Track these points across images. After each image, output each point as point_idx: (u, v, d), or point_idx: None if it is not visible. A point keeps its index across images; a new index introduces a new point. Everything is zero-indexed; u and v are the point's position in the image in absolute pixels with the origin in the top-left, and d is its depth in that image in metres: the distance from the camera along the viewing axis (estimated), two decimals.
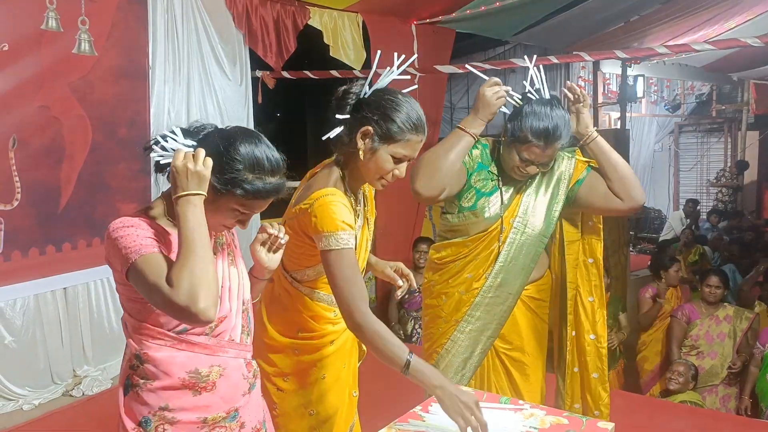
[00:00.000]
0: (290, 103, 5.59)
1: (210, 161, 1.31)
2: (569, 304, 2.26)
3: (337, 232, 1.59)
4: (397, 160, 1.66)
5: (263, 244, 1.56)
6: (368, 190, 1.91)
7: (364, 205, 1.85)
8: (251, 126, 4.37)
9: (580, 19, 5.62)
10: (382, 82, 1.70)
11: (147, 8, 3.77)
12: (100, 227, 3.65)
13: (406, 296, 4.65)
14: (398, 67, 1.72)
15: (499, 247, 2.14)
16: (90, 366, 3.64)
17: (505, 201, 2.15)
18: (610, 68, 8.14)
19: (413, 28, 5.24)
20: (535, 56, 2.17)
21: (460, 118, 10.64)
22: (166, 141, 1.37)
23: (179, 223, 1.30)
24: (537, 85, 2.06)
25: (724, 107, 10.88)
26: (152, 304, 1.32)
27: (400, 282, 1.87)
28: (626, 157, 6.69)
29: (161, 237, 1.37)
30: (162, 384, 1.38)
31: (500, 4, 4.87)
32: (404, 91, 1.72)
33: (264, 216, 2.14)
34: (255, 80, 4.64)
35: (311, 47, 4.72)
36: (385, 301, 5.19)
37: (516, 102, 2.07)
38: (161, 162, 1.38)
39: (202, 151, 1.32)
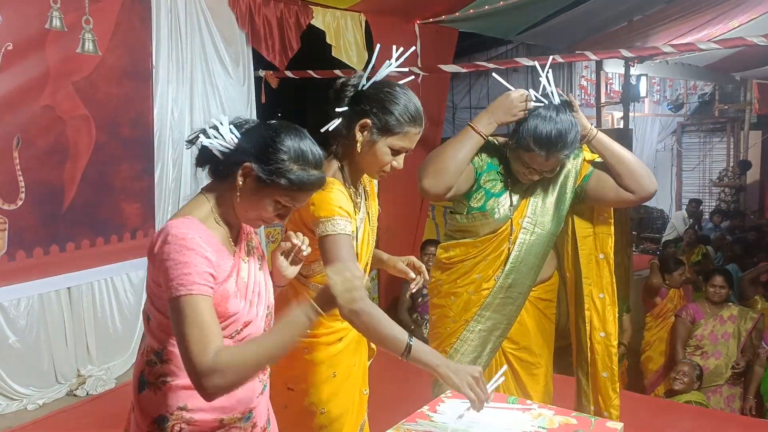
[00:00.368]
0: (293, 102, 5.58)
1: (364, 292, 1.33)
2: (586, 301, 2.23)
3: (334, 218, 1.60)
4: (396, 152, 1.68)
5: (285, 253, 1.56)
6: (370, 184, 1.91)
7: (365, 199, 1.85)
8: None
9: (582, 18, 5.62)
10: (381, 75, 1.70)
11: (150, 8, 3.77)
12: (104, 227, 3.65)
13: (419, 299, 4.64)
14: (396, 60, 1.71)
15: (510, 248, 2.12)
16: (94, 366, 3.64)
17: (514, 202, 2.13)
18: (613, 68, 8.13)
19: (416, 27, 5.24)
20: (549, 60, 2.11)
21: (462, 118, 10.72)
22: (209, 132, 1.37)
23: (286, 330, 1.30)
24: (548, 90, 2.01)
25: (726, 107, 10.86)
26: (177, 343, 1.28)
27: (412, 274, 1.86)
28: None
29: (213, 250, 1.32)
30: (182, 383, 1.35)
31: (503, 3, 4.86)
32: (401, 82, 1.72)
33: None
34: (258, 80, 4.64)
35: (314, 47, 4.72)
36: (393, 307, 5.18)
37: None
38: (217, 148, 1.36)
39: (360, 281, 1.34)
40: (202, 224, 1.34)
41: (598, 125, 7.90)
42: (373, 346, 2.01)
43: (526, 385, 2.23)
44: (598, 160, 2.13)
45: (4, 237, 3.18)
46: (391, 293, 5.30)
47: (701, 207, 9.69)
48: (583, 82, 9.55)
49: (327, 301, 1.32)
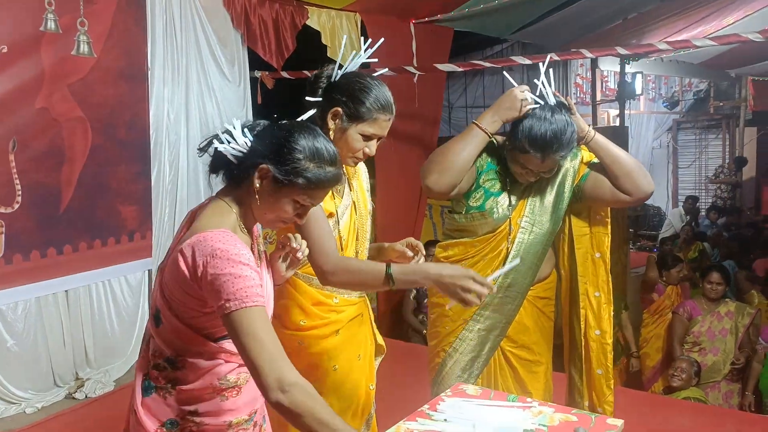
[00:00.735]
0: (289, 103, 5.57)
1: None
2: (581, 299, 2.24)
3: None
4: (367, 138, 1.74)
5: (282, 256, 1.56)
6: (356, 176, 1.94)
7: (351, 189, 1.89)
8: None
9: (577, 17, 5.63)
10: (353, 66, 1.78)
11: (145, 10, 3.76)
12: (101, 229, 3.64)
13: (425, 300, 4.63)
14: (365, 51, 1.80)
15: (508, 247, 2.13)
16: (92, 368, 3.63)
17: (513, 201, 2.13)
18: (608, 66, 8.15)
19: (411, 27, 5.24)
20: (547, 57, 2.12)
21: (458, 117, 10.73)
22: (221, 137, 1.36)
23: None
24: (544, 90, 2.01)
25: (721, 104, 10.90)
26: (242, 357, 1.27)
27: (410, 253, 1.87)
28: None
29: (256, 269, 1.31)
30: (193, 388, 1.36)
31: (498, 2, 4.87)
32: (374, 74, 1.79)
33: None
34: (254, 81, 4.63)
35: (310, 47, 4.72)
36: (398, 310, 5.18)
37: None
38: (231, 152, 1.35)
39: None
40: (236, 235, 1.33)
41: (594, 123, 7.91)
42: (381, 342, 2.02)
43: (526, 383, 2.24)
44: (596, 160, 2.13)
45: (1, 240, 3.17)
46: (392, 295, 5.30)
47: (698, 204, 9.71)
48: (579, 80, 9.57)
49: None
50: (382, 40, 1.90)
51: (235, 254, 1.26)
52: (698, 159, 11.84)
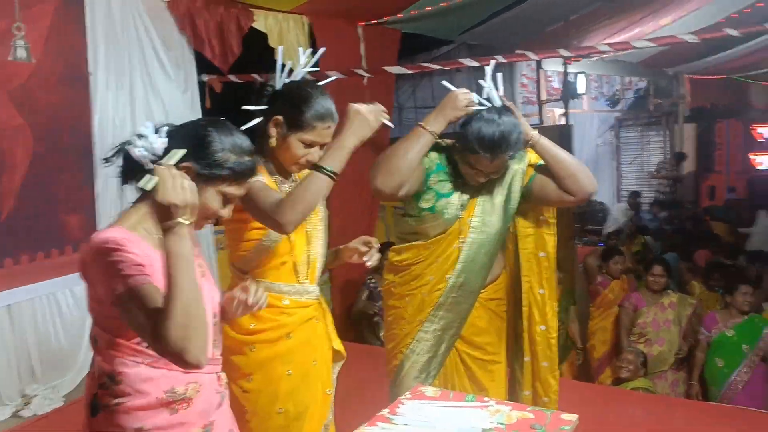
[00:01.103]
0: (239, 106, 5.50)
1: (194, 185, 1.25)
2: (524, 297, 2.30)
3: (258, 176, 1.68)
4: (308, 146, 1.80)
5: (237, 301, 1.54)
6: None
7: None
8: None
9: (522, 18, 5.74)
10: (295, 76, 1.84)
11: (84, 13, 3.65)
12: (44, 240, 3.51)
13: (379, 303, 4.64)
14: (308, 62, 1.86)
15: (460, 247, 2.17)
16: (39, 384, 3.50)
17: (464, 202, 2.17)
18: (552, 66, 8.34)
19: (359, 29, 5.24)
20: (493, 62, 2.16)
21: (408, 119, 10.78)
22: (135, 143, 1.33)
23: (168, 261, 1.21)
24: (490, 93, 2.05)
25: (661, 101, 11.29)
26: (139, 334, 1.27)
27: (363, 248, 1.93)
28: (570, 152, 6.89)
29: (145, 254, 1.30)
30: (137, 404, 1.33)
31: (445, 4, 4.92)
32: (320, 83, 1.84)
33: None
34: (202, 85, 4.56)
35: (260, 50, 4.66)
36: (348, 314, 5.19)
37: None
38: (148, 156, 1.32)
39: (189, 182, 1.24)
40: (129, 231, 1.32)
41: (540, 122, 8.10)
42: (339, 348, 2.02)
43: (482, 382, 2.28)
44: (542, 162, 2.19)
45: None
46: (347, 298, 5.30)
47: (640, 199, 10.04)
48: (525, 81, 9.75)
49: None
50: (323, 50, 1.96)
51: (110, 242, 1.26)
52: (640, 155, 12.24)
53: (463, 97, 2.05)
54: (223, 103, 4.81)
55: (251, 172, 1.42)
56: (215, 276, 4.12)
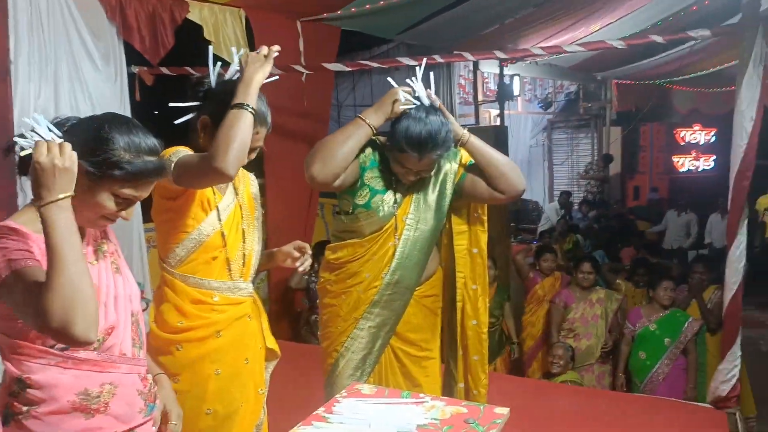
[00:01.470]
0: (173, 99, 5.35)
1: (75, 155, 1.19)
2: (458, 292, 2.34)
3: (177, 151, 1.70)
4: None
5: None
6: (243, 182, 1.94)
7: (235, 193, 1.88)
8: None
9: (460, 19, 5.82)
10: (229, 76, 1.81)
11: (6, 1, 3.46)
12: None
13: (317, 301, 4.62)
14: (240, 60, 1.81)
15: (395, 244, 2.18)
16: None
17: (398, 199, 2.19)
18: (489, 68, 8.52)
19: (298, 25, 5.19)
20: (424, 62, 2.19)
21: (347, 116, 10.78)
22: (28, 136, 1.26)
23: (46, 232, 1.15)
24: (417, 93, 2.07)
25: (590, 105, 11.72)
26: (28, 325, 1.21)
27: (296, 253, 1.92)
28: (506, 152, 7.06)
29: (35, 246, 1.25)
30: (49, 409, 1.27)
31: (384, 2, 4.94)
32: (265, 81, 1.76)
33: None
34: (132, 76, 4.40)
35: (195, 42, 4.54)
36: (289, 312, 5.13)
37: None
38: (27, 161, 1.25)
39: (67, 144, 1.19)
40: (17, 224, 1.27)
41: (477, 123, 8.26)
42: (273, 347, 1.99)
43: (417, 377, 2.31)
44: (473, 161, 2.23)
45: None
46: (284, 295, 5.25)
47: (571, 198, 10.38)
48: (462, 81, 9.92)
49: None
50: (244, 51, 1.90)
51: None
52: (570, 156, 12.67)
53: (402, 95, 2.06)
54: (154, 96, 4.66)
55: (150, 173, 1.32)
56: (146, 275, 4.03)
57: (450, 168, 2.24)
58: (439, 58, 3.68)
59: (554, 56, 7.82)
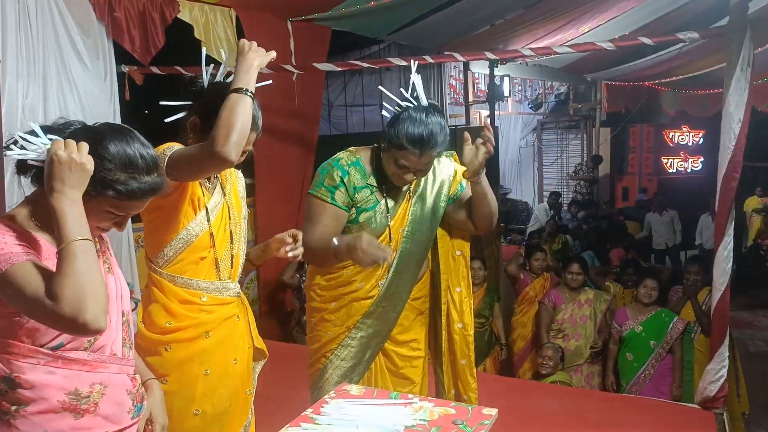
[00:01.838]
0: (162, 99, 5.32)
1: (91, 158, 1.22)
2: (443, 294, 2.34)
3: (171, 146, 1.68)
4: None
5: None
6: (231, 182, 1.93)
7: (224, 195, 1.87)
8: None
9: (450, 20, 5.83)
10: (221, 77, 1.81)
11: None
12: None
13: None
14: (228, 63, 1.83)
15: (392, 256, 2.16)
16: None
17: (390, 210, 2.17)
18: (479, 68, 8.54)
19: (289, 25, 5.18)
20: (416, 63, 2.19)
21: (338, 116, 10.75)
22: (26, 140, 1.25)
23: (57, 222, 1.18)
24: (416, 92, 2.07)
25: (580, 106, 11.78)
26: (32, 318, 1.21)
27: (288, 239, 1.90)
28: (496, 152, 7.08)
29: (30, 243, 1.25)
30: (38, 409, 1.26)
31: (374, 3, 4.94)
32: (258, 84, 1.74)
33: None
34: (121, 75, 4.37)
35: (186, 41, 4.52)
36: (279, 312, 5.12)
37: (395, 109, 2.08)
38: (28, 161, 1.26)
39: (85, 145, 1.22)
40: (13, 223, 1.27)
41: (467, 123, 8.27)
42: (261, 346, 1.99)
43: (412, 377, 2.32)
44: (464, 184, 2.25)
45: None
46: (274, 295, 5.24)
47: (560, 199, 10.43)
48: (453, 82, 9.94)
49: None
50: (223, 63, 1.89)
51: None
52: (560, 157, 12.74)
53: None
54: (144, 96, 4.64)
55: (145, 194, 1.32)
56: (135, 275, 4.00)
57: (445, 179, 2.25)
58: (429, 59, 3.69)
59: (544, 57, 7.85)
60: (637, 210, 10.26)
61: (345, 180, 2.09)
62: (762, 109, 9.31)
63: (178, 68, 4.41)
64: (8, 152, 1.26)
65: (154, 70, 4.41)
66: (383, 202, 2.16)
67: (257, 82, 1.72)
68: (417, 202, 2.21)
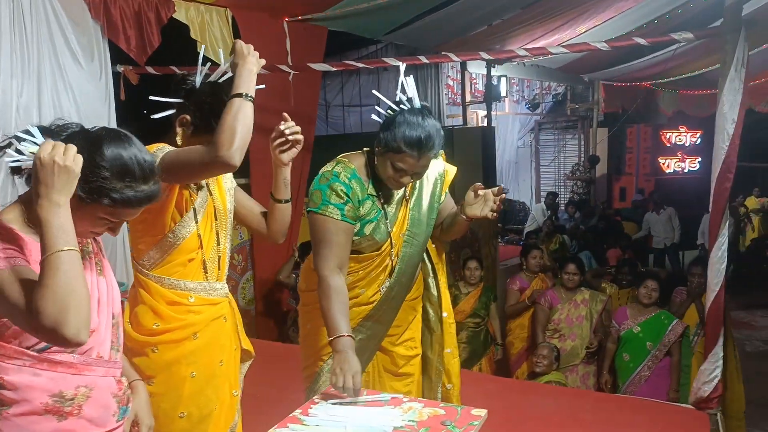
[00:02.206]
0: (159, 101, 5.31)
1: (80, 158, 1.18)
2: (431, 284, 2.36)
3: (162, 147, 1.69)
4: None
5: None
6: (216, 180, 1.92)
7: (210, 194, 1.86)
8: (113, 124, 4.11)
9: (447, 21, 5.83)
10: (216, 77, 1.79)
11: None
12: None
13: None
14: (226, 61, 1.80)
15: (394, 261, 2.17)
16: None
17: (390, 217, 2.16)
18: (476, 69, 8.54)
19: (285, 25, 5.18)
20: (403, 65, 2.19)
21: (335, 116, 10.76)
22: (21, 142, 1.23)
23: (41, 230, 1.15)
24: (409, 94, 2.06)
25: (577, 106, 11.79)
26: (15, 325, 1.20)
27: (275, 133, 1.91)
28: (493, 152, 7.09)
29: (20, 246, 1.24)
30: (20, 410, 1.25)
31: (370, 3, 4.93)
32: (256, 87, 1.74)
33: None
34: (117, 75, 4.37)
35: (181, 41, 4.52)
36: (275, 312, 5.11)
37: (386, 113, 2.07)
38: (20, 166, 1.25)
39: (72, 147, 1.19)
40: (6, 227, 1.25)
41: (464, 123, 8.28)
42: (247, 347, 1.98)
43: (414, 373, 2.33)
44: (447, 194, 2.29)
45: None
46: (271, 294, 5.24)
47: (558, 199, 10.44)
48: (450, 82, 9.95)
49: None
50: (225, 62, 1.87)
51: None
52: (557, 157, 12.74)
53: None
54: (139, 96, 4.62)
55: (140, 202, 1.30)
56: (129, 275, 3.99)
57: (438, 179, 2.26)
58: (424, 59, 3.69)
59: (541, 57, 7.85)
60: (633, 210, 10.27)
61: (350, 195, 2.06)
62: (759, 109, 9.33)
63: (174, 68, 4.40)
64: (5, 158, 1.25)
65: (150, 70, 4.40)
66: (383, 212, 2.16)
67: None
68: (415, 206, 2.21)
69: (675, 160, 11.93)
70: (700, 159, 11.73)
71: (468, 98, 8.74)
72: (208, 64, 1.82)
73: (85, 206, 1.26)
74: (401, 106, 2.05)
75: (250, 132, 1.64)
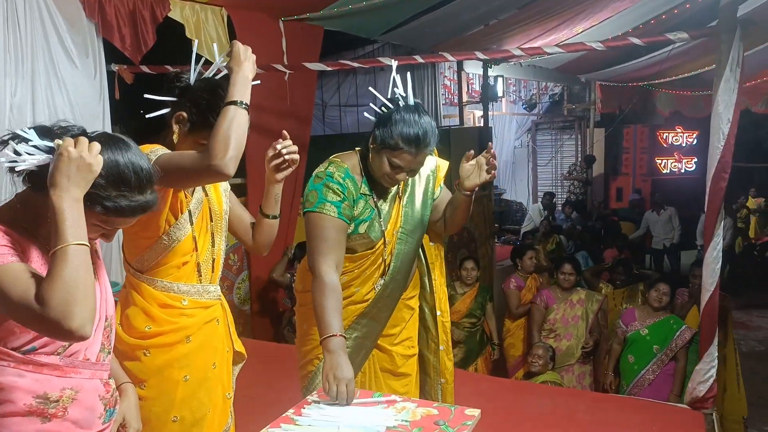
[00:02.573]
0: (153, 99, 5.30)
1: (101, 158, 1.18)
2: (427, 283, 2.36)
3: (156, 148, 1.66)
4: None
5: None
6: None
7: (205, 193, 1.85)
8: (107, 123, 4.09)
9: (444, 21, 5.83)
10: (210, 73, 1.79)
11: None
12: None
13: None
14: (221, 61, 1.77)
15: (388, 259, 2.16)
16: None
17: (384, 215, 2.16)
18: (473, 68, 8.53)
19: (281, 24, 5.17)
20: (395, 62, 2.18)
21: (332, 116, 10.73)
22: (18, 143, 1.22)
23: (55, 222, 1.14)
24: (402, 92, 2.05)
25: (574, 106, 11.79)
26: (16, 321, 1.19)
27: (270, 152, 1.87)
28: None
29: (16, 245, 1.22)
30: (3, 411, 1.23)
31: (366, 3, 4.92)
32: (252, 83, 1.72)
33: None
34: (111, 74, 4.35)
35: (176, 40, 4.50)
36: (270, 312, 5.10)
37: (380, 110, 2.07)
38: (16, 168, 1.23)
39: (96, 145, 1.19)
40: (2, 226, 1.24)
41: (461, 123, 8.27)
42: (240, 349, 1.97)
43: (410, 372, 2.32)
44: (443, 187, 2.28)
45: None
46: (266, 294, 5.23)
47: (554, 199, 10.44)
48: (447, 82, 9.94)
49: None
50: (220, 60, 1.84)
51: None
52: (554, 157, 12.75)
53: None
54: (135, 95, 4.61)
55: (135, 212, 1.28)
56: (124, 277, 3.98)
57: (430, 176, 2.25)
58: (419, 59, 3.67)
59: (537, 58, 7.85)
60: (630, 210, 10.28)
61: (346, 193, 2.07)
62: (756, 110, 9.34)
63: (168, 67, 4.38)
64: (5, 162, 1.23)
65: (144, 69, 4.39)
66: (377, 211, 2.15)
67: None
68: (408, 203, 2.21)
69: (672, 161, 11.94)
70: (696, 159, 11.75)
71: (465, 98, 8.74)
72: (202, 59, 1.81)
73: None
74: (396, 102, 2.05)
75: (245, 140, 1.62)
